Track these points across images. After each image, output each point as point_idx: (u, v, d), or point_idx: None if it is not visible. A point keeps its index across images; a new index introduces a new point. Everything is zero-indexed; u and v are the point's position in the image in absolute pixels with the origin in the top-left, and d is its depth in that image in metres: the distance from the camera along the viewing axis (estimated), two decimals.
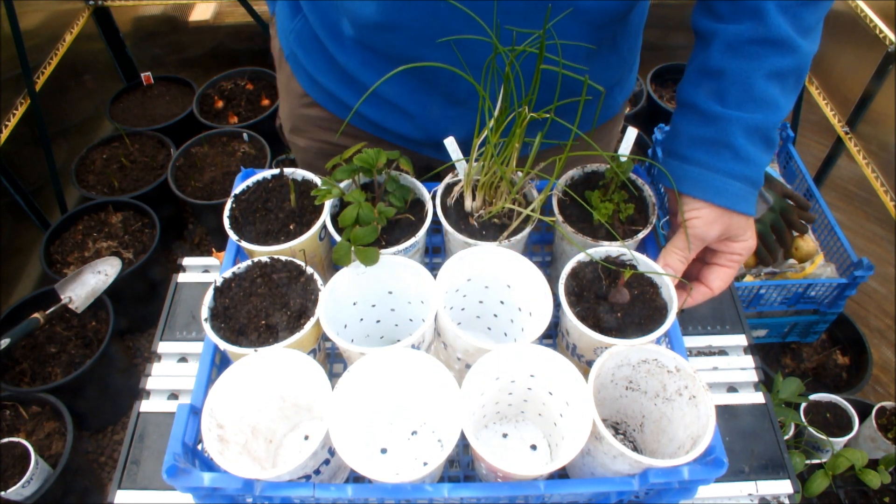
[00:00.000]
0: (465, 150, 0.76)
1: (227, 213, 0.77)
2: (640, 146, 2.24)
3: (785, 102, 0.70)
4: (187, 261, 1.01)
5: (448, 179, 0.80)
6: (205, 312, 0.69)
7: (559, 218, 0.76)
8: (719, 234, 0.71)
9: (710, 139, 0.70)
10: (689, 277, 0.77)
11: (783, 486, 0.79)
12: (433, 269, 0.72)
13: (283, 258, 0.73)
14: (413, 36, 0.73)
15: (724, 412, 0.85)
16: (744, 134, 0.69)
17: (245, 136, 2.26)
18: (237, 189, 0.80)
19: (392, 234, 0.75)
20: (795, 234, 1.66)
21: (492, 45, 0.65)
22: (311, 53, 0.86)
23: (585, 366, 0.71)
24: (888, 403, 1.49)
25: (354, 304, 0.76)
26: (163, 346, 0.90)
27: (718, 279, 0.74)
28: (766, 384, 0.89)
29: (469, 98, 0.79)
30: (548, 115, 0.68)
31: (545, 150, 0.77)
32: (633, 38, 0.87)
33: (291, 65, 0.93)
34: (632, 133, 0.77)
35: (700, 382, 0.64)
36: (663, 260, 0.72)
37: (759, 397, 0.87)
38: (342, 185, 0.76)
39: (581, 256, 0.73)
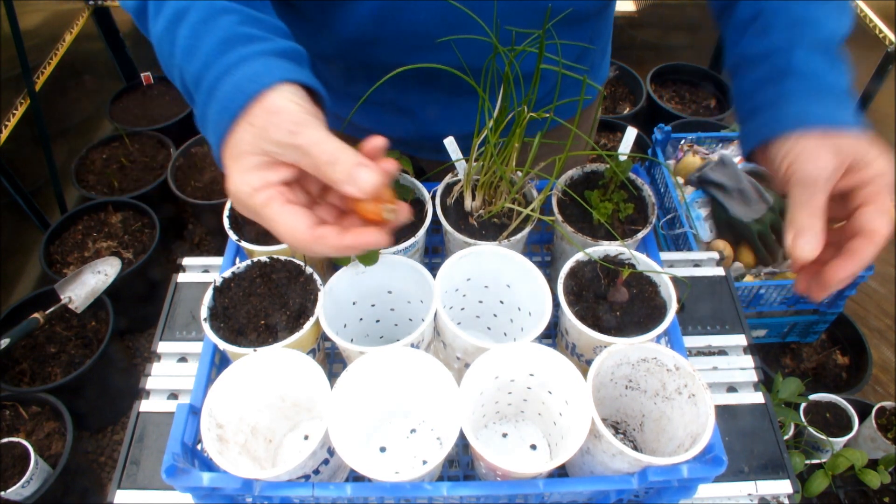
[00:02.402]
0: (463, 145, 0.77)
1: (226, 212, 0.77)
2: (639, 146, 2.24)
3: (835, 18, 0.59)
4: (187, 261, 1.01)
5: (448, 179, 0.80)
6: (204, 312, 0.69)
7: (559, 217, 0.77)
8: (833, 165, 0.53)
9: (768, 76, 0.59)
10: (826, 254, 0.54)
11: (783, 486, 0.79)
12: (433, 269, 0.72)
13: (282, 258, 0.73)
14: (397, 47, 0.74)
15: (723, 412, 0.85)
16: (804, 51, 0.58)
17: None
18: None
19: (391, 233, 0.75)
20: None
21: (474, 44, 0.66)
22: None
23: (585, 365, 0.71)
24: (888, 403, 1.49)
25: (354, 303, 0.76)
26: (162, 346, 0.90)
27: (876, 213, 0.52)
28: (765, 384, 0.89)
29: (465, 91, 0.80)
30: (547, 115, 0.68)
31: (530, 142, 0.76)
32: (605, 23, 0.86)
33: None
34: (631, 133, 0.77)
35: (699, 381, 0.64)
36: (795, 232, 0.52)
37: (758, 397, 0.87)
38: None
39: (580, 256, 0.73)
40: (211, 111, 0.50)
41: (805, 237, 0.52)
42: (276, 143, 0.48)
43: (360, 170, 0.48)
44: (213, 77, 0.50)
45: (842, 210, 0.55)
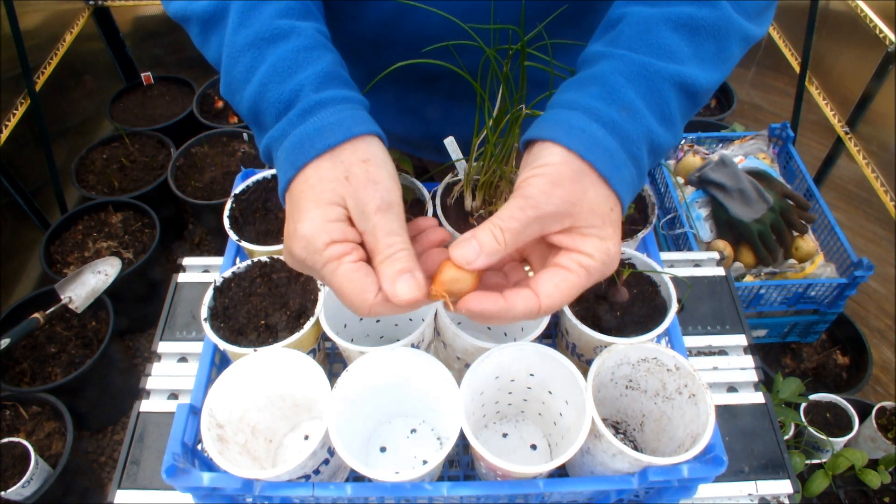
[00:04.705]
0: (466, 149, 0.77)
1: (227, 212, 0.77)
2: None
3: (691, 59, 0.52)
4: (187, 261, 1.01)
5: (448, 179, 0.80)
6: (204, 312, 0.69)
7: None
8: (560, 207, 0.47)
9: (581, 79, 0.53)
10: (513, 279, 0.54)
11: (783, 486, 0.79)
12: None
13: (282, 258, 0.73)
14: (407, 49, 0.73)
15: (723, 412, 0.85)
16: (624, 73, 0.50)
17: (245, 136, 2.26)
18: (237, 189, 0.80)
19: None
20: (795, 234, 1.66)
21: (481, 47, 0.64)
22: None
23: (585, 365, 0.71)
24: (888, 403, 1.49)
25: None
26: (163, 346, 0.90)
27: (551, 283, 0.47)
28: (766, 384, 0.89)
29: (471, 92, 0.79)
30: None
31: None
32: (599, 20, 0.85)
33: None
34: None
35: (699, 380, 0.64)
36: (473, 233, 0.47)
37: (759, 397, 0.87)
38: None
39: None
40: (300, 130, 0.50)
41: (470, 245, 0.47)
42: (361, 210, 0.48)
43: (403, 278, 0.47)
44: (313, 102, 0.51)
45: (545, 251, 0.51)
